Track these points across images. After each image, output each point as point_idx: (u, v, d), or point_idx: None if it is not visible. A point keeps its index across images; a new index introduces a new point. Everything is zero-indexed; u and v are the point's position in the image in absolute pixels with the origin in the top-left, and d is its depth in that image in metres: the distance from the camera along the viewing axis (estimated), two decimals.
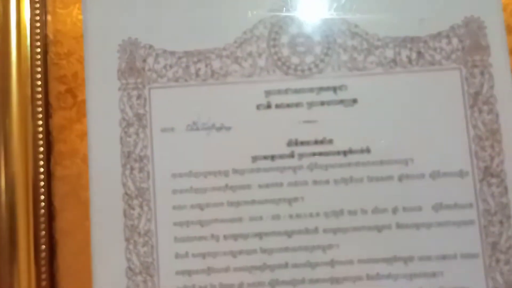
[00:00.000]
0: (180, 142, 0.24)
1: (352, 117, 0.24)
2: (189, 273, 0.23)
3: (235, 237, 0.23)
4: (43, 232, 0.22)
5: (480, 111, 0.24)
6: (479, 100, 0.24)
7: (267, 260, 0.23)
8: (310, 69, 0.24)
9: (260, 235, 0.23)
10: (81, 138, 0.24)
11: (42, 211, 0.23)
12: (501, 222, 0.23)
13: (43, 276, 0.22)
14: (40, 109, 0.23)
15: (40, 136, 0.23)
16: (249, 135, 0.24)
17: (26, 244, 0.22)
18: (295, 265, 0.23)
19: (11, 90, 0.23)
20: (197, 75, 0.24)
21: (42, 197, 0.23)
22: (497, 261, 0.23)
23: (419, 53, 0.24)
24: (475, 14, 0.24)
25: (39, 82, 0.23)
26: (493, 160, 0.23)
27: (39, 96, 0.23)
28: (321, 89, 0.24)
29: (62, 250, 0.23)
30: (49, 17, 0.24)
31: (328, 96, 0.24)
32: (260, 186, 0.23)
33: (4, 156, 0.22)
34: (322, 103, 0.24)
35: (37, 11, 0.24)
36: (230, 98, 0.24)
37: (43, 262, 0.22)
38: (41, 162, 0.23)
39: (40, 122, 0.23)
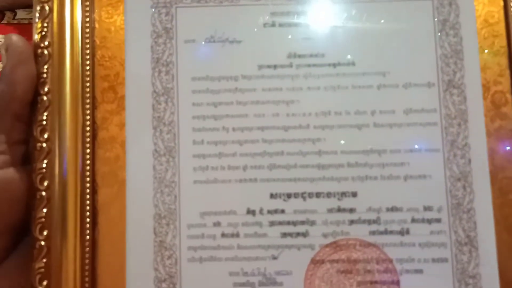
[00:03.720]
0: (200, 51, 0.29)
1: (341, 36, 0.29)
2: (203, 156, 0.28)
3: (242, 129, 0.28)
4: (88, 117, 0.28)
5: (447, 35, 0.28)
6: (446, 26, 0.29)
7: (267, 148, 0.28)
8: None
9: (262, 128, 0.28)
10: (119, 47, 0.29)
11: (88, 100, 0.28)
12: (459, 124, 0.28)
13: (88, 150, 0.28)
14: (88, 36, 0.29)
15: (87, 41, 0.28)
16: (256, 48, 0.29)
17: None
18: (289, 153, 0.28)
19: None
20: None
21: (88, 89, 0.28)
22: (454, 155, 0.28)
23: None
24: None
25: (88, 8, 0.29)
26: (455, 75, 0.28)
27: (88, 22, 0.29)
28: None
29: (102, 136, 0.28)
30: None
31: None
32: (263, 90, 0.28)
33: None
34: (318, 24, 0.29)
35: None
36: (242, 17, 0.29)
37: (87, 139, 0.28)
38: (88, 62, 0.28)
39: (88, 24, 0.28)
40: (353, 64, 0.28)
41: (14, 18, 1.08)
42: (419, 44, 0.28)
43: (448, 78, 0.28)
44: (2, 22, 1.09)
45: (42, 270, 0.26)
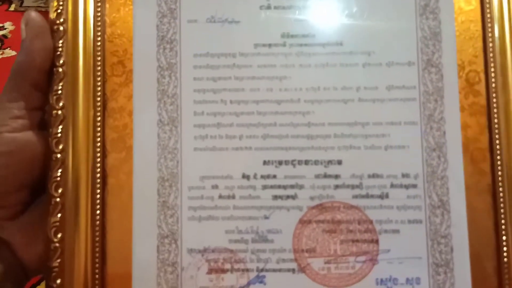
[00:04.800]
0: (201, 31, 0.31)
1: (330, 18, 0.31)
2: (203, 126, 0.31)
3: (239, 102, 0.31)
4: (99, 88, 0.30)
5: (427, 18, 0.31)
6: (427, 10, 0.31)
7: (261, 120, 0.31)
8: None
9: (257, 102, 0.31)
10: (127, 25, 0.31)
11: (99, 73, 0.31)
12: (436, 100, 0.31)
13: (98, 119, 0.30)
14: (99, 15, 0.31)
15: (99, 19, 0.31)
16: (253, 28, 0.31)
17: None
18: (282, 124, 0.31)
19: None
20: None
21: (99, 63, 0.31)
22: (431, 128, 0.30)
23: None
24: None
25: None
26: (433, 55, 0.31)
27: (99, 2, 0.31)
28: None
29: (111, 106, 0.31)
30: None
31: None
32: (259, 66, 0.31)
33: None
34: (310, 7, 0.32)
35: None
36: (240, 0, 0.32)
37: (98, 108, 0.30)
38: (99, 39, 0.31)
39: (99, 4, 0.31)
40: (341, 44, 0.31)
41: (21, 6, 1.11)
42: (402, 27, 0.31)
43: (427, 58, 0.31)
44: (9, 9, 1.11)
45: (57, 223, 0.29)
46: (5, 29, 1.07)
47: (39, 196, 0.30)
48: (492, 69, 0.30)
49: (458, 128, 0.30)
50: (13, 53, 1.04)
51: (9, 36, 1.07)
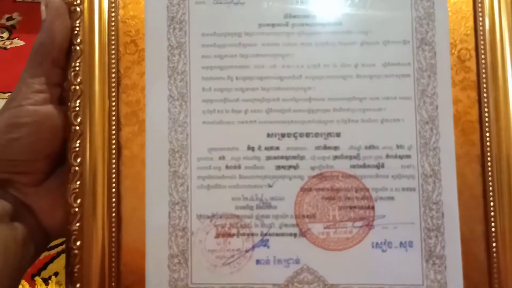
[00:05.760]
0: (209, 11, 0.33)
1: (330, 2, 0.33)
2: (211, 101, 0.33)
3: (244, 78, 0.33)
4: (113, 66, 0.33)
5: None
6: None
7: (265, 95, 0.33)
8: None
9: (261, 78, 0.33)
10: (139, 7, 0.33)
11: (113, 52, 0.33)
12: (429, 76, 0.32)
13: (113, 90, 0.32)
14: None
15: (113, 0, 0.33)
16: (257, 9, 0.33)
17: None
18: (284, 99, 0.33)
19: None
20: None
21: (113, 42, 0.33)
22: (424, 102, 0.32)
23: None
24: None
25: None
26: (427, 34, 0.33)
27: None
28: None
29: (125, 83, 0.33)
30: None
31: None
32: (263, 45, 0.33)
33: None
34: None
35: None
36: None
37: (113, 84, 0.32)
38: (113, 19, 0.33)
39: None
40: (340, 24, 0.33)
41: None
42: (397, 7, 0.33)
43: (421, 36, 0.33)
44: (17, 0, 1.13)
45: (77, 190, 0.31)
46: (13, 19, 1.09)
47: (59, 167, 0.32)
48: (482, 47, 0.32)
49: (449, 102, 0.32)
50: (21, 43, 1.06)
51: (17, 26, 1.09)
